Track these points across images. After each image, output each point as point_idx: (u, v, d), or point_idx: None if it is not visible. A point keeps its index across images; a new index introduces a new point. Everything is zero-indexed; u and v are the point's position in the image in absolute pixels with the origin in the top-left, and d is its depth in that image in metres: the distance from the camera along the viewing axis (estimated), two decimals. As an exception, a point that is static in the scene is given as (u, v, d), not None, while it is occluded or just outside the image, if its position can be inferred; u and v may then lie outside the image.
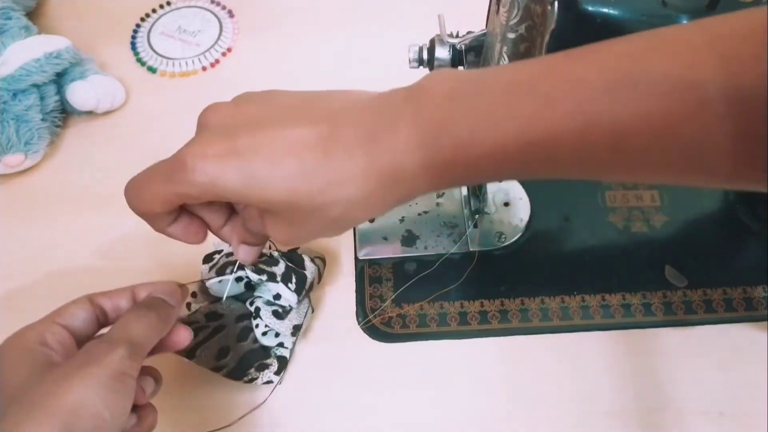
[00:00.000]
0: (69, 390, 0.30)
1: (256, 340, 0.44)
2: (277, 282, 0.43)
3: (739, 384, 0.45)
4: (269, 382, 0.44)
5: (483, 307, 0.48)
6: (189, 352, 0.43)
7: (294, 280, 0.44)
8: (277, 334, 0.44)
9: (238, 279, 0.44)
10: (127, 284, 0.49)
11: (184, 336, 0.38)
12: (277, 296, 0.44)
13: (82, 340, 0.36)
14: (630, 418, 0.44)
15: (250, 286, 0.45)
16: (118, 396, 0.31)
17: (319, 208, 0.28)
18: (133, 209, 0.32)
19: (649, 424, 0.43)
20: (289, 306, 0.44)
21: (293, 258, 0.45)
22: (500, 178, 0.29)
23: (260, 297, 0.44)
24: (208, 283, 0.44)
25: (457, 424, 0.44)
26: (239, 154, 0.28)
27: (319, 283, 0.48)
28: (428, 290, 0.48)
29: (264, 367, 0.44)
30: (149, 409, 0.36)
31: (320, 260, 0.48)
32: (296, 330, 0.44)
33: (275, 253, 0.45)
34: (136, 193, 0.32)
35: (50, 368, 0.32)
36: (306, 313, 0.45)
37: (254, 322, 0.44)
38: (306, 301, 0.45)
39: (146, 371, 0.36)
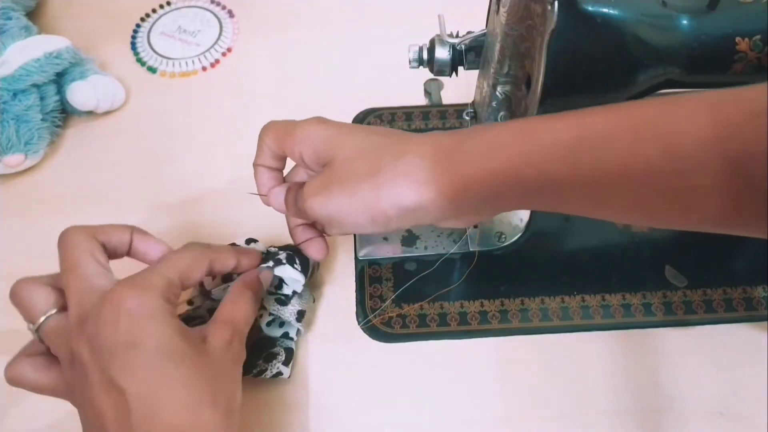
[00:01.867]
0: (239, 389, 0.36)
1: (260, 331, 0.44)
2: (283, 264, 0.43)
3: (739, 384, 0.44)
4: (279, 374, 0.43)
5: (483, 307, 0.48)
6: None
7: (298, 261, 0.43)
8: (281, 324, 0.44)
9: None
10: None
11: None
12: (279, 285, 0.43)
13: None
14: (630, 418, 0.44)
15: None
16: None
17: (377, 156, 0.34)
18: (260, 133, 0.40)
19: (649, 424, 0.43)
20: (292, 292, 0.44)
21: (292, 248, 0.45)
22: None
23: None
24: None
25: (457, 423, 0.44)
26: (332, 185, 0.35)
27: (317, 270, 0.48)
28: (428, 290, 0.48)
29: (272, 357, 0.44)
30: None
31: None
32: (301, 316, 0.44)
33: (273, 248, 0.45)
34: (270, 123, 0.39)
35: (207, 355, 0.35)
36: (308, 301, 0.45)
37: (258, 313, 0.44)
38: (307, 289, 0.45)
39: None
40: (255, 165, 0.41)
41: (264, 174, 0.41)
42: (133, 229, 0.40)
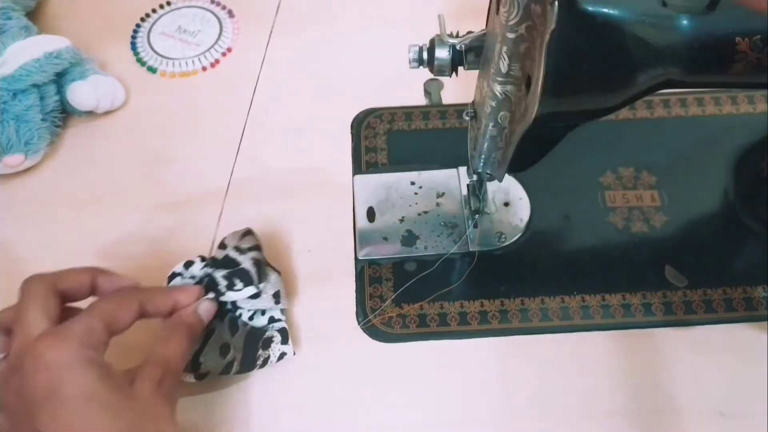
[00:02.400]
0: (170, 428, 0.36)
1: (246, 324, 0.45)
2: (224, 293, 0.43)
3: (739, 384, 0.45)
4: (283, 354, 0.44)
5: (483, 307, 0.48)
6: (194, 365, 0.43)
7: (238, 279, 0.43)
8: (263, 312, 0.45)
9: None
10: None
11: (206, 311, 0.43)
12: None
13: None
14: (630, 418, 0.44)
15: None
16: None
17: None
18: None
19: (649, 424, 0.43)
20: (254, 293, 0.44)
21: (224, 262, 0.44)
22: None
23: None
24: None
25: (457, 423, 0.44)
26: None
27: (262, 251, 0.46)
28: (428, 290, 0.48)
29: (269, 342, 0.44)
30: None
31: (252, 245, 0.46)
32: (277, 297, 0.44)
33: (206, 262, 0.45)
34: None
35: (132, 396, 0.35)
36: (276, 280, 0.45)
37: (237, 313, 0.44)
38: (266, 271, 0.45)
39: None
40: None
41: None
42: (94, 272, 0.41)
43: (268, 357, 0.44)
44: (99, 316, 0.37)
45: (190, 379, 0.43)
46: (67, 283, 0.39)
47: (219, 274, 0.43)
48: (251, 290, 0.43)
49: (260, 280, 0.44)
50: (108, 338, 0.37)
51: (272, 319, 0.45)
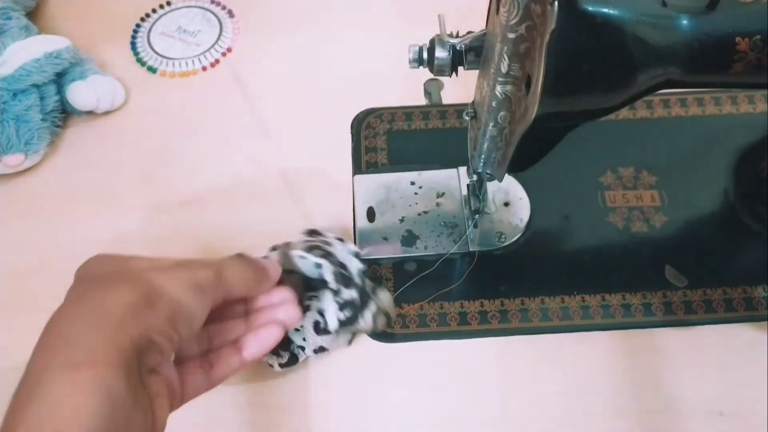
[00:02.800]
0: (157, 276, 0.33)
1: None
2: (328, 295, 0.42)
3: (739, 384, 0.45)
4: (271, 366, 0.44)
5: (483, 307, 0.48)
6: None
7: (345, 308, 0.42)
8: (298, 329, 0.43)
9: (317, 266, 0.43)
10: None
11: (292, 318, 0.39)
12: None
13: None
14: (630, 418, 0.44)
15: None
16: (195, 301, 0.33)
17: None
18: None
19: (649, 424, 0.43)
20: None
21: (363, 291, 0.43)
22: None
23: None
24: (295, 253, 0.42)
25: (457, 424, 0.44)
26: None
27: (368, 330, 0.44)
28: (428, 290, 0.48)
29: (276, 354, 0.44)
30: (225, 355, 0.37)
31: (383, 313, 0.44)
32: (317, 327, 0.43)
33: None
34: None
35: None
36: (340, 339, 0.44)
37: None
38: (346, 334, 0.44)
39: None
40: None
41: None
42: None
43: (265, 358, 0.43)
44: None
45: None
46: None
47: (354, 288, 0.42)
48: (334, 318, 0.42)
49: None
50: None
51: (304, 341, 0.44)
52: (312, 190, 0.54)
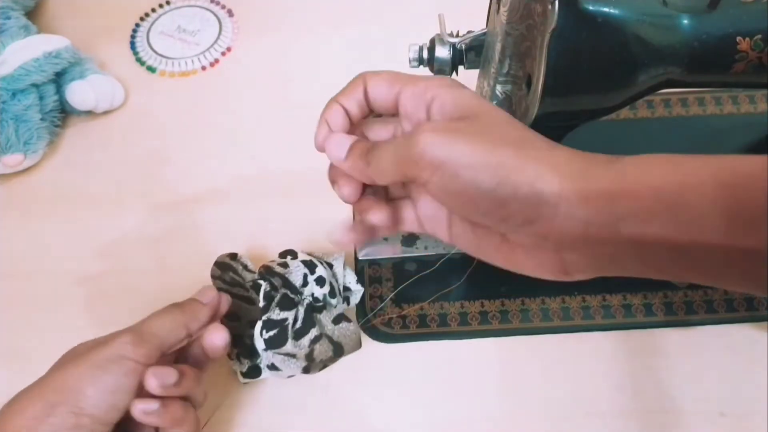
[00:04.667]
0: (62, 370, 0.34)
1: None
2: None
3: (739, 384, 0.44)
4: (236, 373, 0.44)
5: (483, 308, 0.48)
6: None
7: (270, 328, 0.41)
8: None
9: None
10: (126, 284, 0.49)
11: (218, 336, 0.39)
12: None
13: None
14: (630, 418, 0.43)
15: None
16: (108, 375, 0.34)
17: (511, 187, 0.28)
18: (360, 74, 0.33)
19: (650, 424, 0.43)
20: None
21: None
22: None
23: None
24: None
25: (458, 424, 0.44)
26: (468, 134, 0.29)
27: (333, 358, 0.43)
28: (428, 291, 0.48)
29: (238, 360, 0.44)
30: (176, 404, 0.36)
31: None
32: (289, 357, 0.42)
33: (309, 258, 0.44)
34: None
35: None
36: (292, 363, 0.43)
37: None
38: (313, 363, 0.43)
39: (172, 365, 0.37)
40: (334, 101, 0.34)
41: (338, 113, 0.34)
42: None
43: (232, 360, 0.44)
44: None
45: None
46: None
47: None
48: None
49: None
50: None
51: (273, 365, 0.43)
52: (312, 190, 0.54)
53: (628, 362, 0.46)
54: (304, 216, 0.52)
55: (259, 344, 0.41)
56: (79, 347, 0.37)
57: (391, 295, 0.48)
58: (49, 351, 0.43)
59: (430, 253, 0.50)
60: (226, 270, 0.45)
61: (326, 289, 0.43)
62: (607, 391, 0.44)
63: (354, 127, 0.34)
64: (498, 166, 0.28)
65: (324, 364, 0.42)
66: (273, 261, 0.44)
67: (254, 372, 0.44)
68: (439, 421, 0.44)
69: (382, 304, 0.48)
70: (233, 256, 0.45)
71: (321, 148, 0.34)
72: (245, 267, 0.45)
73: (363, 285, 0.48)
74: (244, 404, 0.45)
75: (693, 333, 0.47)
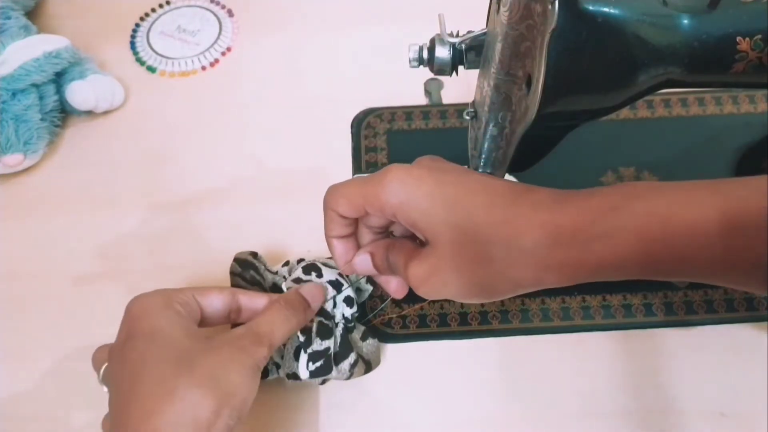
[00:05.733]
0: (229, 373, 0.33)
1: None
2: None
3: (740, 384, 0.44)
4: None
5: (483, 308, 0.48)
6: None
7: (316, 359, 0.41)
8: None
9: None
10: (126, 284, 0.49)
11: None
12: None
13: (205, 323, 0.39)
14: (630, 418, 0.43)
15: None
16: (255, 385, 0.35)
17: (485, 245, 0.30)
18: (324, 203, 0.36)
19: (650, 424, 0.43)
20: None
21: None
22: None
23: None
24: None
25: (458, 424, 0.44)
26: (439, 181, 0.32)
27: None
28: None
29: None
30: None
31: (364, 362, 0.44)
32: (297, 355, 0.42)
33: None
34: (335, 190, 0.35)
35: (206, 342, 0.35)
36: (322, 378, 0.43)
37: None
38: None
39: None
40: (328, 238, 0.37)
41: (339, 246, 0.37)
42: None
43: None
44: (193, 291, 0.38)
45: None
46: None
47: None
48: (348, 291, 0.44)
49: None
50: (195, 305, 0.38)
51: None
52: (312, 190, 0.54)
53: (628, 362, 0.46)
54: (304, 216, 0.52)
55: (304, 374, 0.41)
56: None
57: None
58: (49, 351, 0.43)
59: (430, 253, 0.49)
60: (247, 268, 0.45)
61: (354, 308, 0.44)
62: (607, 391, 0.44)
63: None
64: (479, 289, 0.32)
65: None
66: (296, 277, 0.43)
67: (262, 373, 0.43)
68: (439, 420, 0.44)
69: (384, 305, 0.48)
70: (254, 255, 0.46)
71: (350, 272, 0.38)
72: (266, 267, 0.45)
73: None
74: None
75: (693, 333, 0.47)
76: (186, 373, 0.32)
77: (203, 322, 0.39)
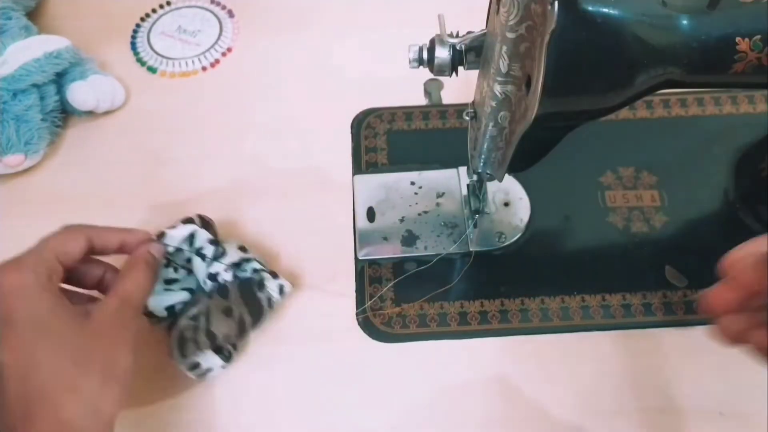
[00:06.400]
0: (119, 357, 0.37)
1: (235, 280, 0.45)
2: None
3: (739, 384, 0.44)
4: (282, 288, 0.45)
5: (483, 307, 0.48)
6: (213, 344, 0.43)
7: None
8: (243, 268, 0.45)
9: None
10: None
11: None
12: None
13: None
14: (630, 418, 0.44)
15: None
16: (134, 353, 0.38)
17: None
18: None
19: (649, 424, 0.43)
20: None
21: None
22: None
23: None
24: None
25: (458, 424, 0.44)
26: None
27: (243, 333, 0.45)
28: (428, 290, 0.48)
29: (262, 284, 0.45)
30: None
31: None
32: (243, 249, 0.45)
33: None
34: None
35: (89, 326, 0.37)
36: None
37: (220, 279, 0.45)
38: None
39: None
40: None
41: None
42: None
43: (270, 297, 0.44)
44: (50, 247, 0.39)
45: (222, 365, 0.43)
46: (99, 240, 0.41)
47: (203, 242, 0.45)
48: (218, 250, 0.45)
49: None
50: (60, 267, 0.38)
51: (255, 270, 0.45)
52: (312, 190, 0.54)
53: (627, 362, 0.46)
54: (304, 216, 0.52)
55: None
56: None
57: (391, 292, 0.48)
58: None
59: (429, 253, 0.50)
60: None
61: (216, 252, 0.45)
62: (607, 390, 0.45)
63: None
64: None
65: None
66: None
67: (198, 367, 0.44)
68: (440, 420, 0.44)
69: (383, 305, 0.48)
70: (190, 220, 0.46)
71: None
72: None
73: (363, 286, 0.48)
74: (242, 402, 0.45)
75: (693, 333, 0.47)
76: (83, 366, 0.35)
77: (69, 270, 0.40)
